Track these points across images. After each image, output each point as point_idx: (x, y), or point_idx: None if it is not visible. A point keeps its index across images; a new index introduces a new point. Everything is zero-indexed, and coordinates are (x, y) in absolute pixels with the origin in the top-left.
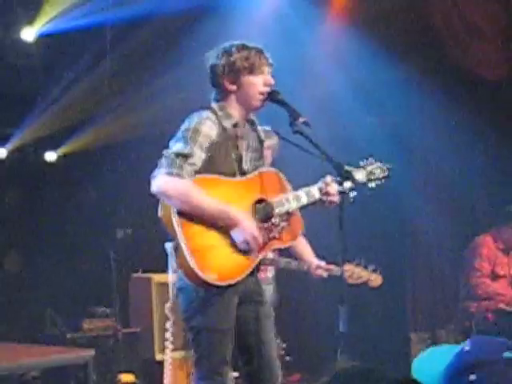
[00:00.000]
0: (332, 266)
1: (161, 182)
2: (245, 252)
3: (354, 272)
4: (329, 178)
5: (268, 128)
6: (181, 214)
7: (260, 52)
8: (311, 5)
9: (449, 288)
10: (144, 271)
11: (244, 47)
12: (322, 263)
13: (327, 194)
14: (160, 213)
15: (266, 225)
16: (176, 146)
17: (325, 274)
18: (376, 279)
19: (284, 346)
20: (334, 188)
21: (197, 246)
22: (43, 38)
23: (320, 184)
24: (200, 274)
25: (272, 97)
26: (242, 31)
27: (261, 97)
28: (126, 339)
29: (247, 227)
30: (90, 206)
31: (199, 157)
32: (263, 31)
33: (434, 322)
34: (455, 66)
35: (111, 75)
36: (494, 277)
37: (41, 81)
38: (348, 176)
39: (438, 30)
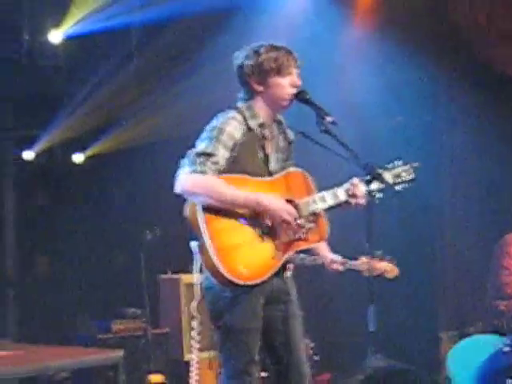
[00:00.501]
0: (347, 260)
1: (184, 180)
2: (274, 248)
3: (371, 265)
4: (356, 180)
5: None
6: (206, 210)
7: (288, 53)
8: (336, 7)
9: (478, 286)
10: (173, 272)
11: (273, 48)
12: (337, 257)
13: (354, 196)
14: (185, 212)
15: (297, 214)
16: (200, 146)
17: (340, 268)
18: (392, 270)
19: (312, 345)
20: (360, 190)
21: (223, 244)
22: (70, 40)
23: (347, 185)
24: (226, 273)
25: (300, 96)
26: (267, 33)
27: (288, 97)
28: (156, 340)
29: (282, 205)
30: (118, 208)
31: (222, 156)
32: (289, 32)
33: (463, 320)
34: (484, 66)
35: (137, 77)
36: None
37: (68, 83)
38: (376, 176)
39: (465, 29)
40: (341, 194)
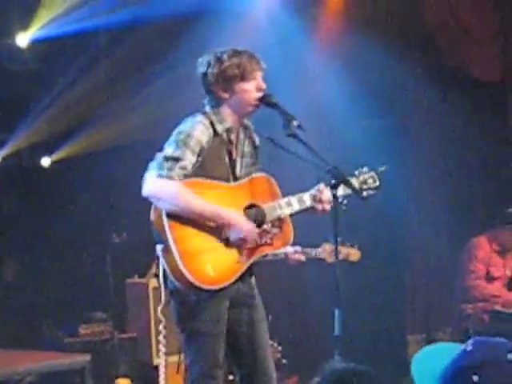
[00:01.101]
0: (309, 249)
1: (151, 184)
2: (238, 252)
3: (333, 250)
4: (322, 186)
5: None
6: (171, 216)
7: (251, 57)
8: (305, 8)
9: (446, 290)
10: (140, 276)
11: (235, 53)
12: (298, 248)
13: (320, 201)
14: (152, 216)
15: (257, 230)
16: (167, 150)
17: (303, 258)
18: (355, 253)
19: (280, 348)
20: (326, 196)
21: (187, 248)
22: (37, 43)
23: (313, 191)
24: (190, 277)
25: (265, 100)
26: (234, 36)
27: (254, 102)
28: (123, 344)
29: (240, 223)
30: (85, 212)
31: (190, 161)
32: (257, 35)
33: (431, 323)
34: (452, 68)
35: (105, 80)
36: (490, 278)
37: (35, 86)
38: (343, 182)
39: (434, 32)
40: (307, 199)
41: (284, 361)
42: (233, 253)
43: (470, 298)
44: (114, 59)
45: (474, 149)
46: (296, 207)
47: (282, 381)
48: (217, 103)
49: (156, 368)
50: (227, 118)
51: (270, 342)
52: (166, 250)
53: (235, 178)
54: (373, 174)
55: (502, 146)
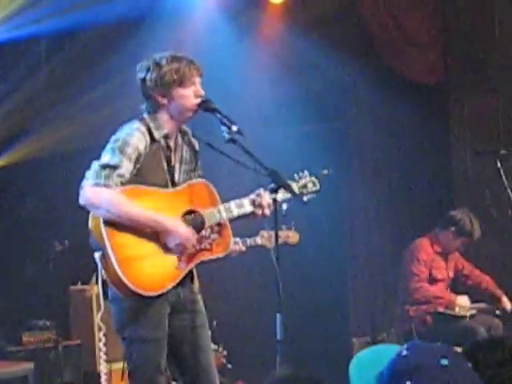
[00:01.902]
0: (247, 239)
1: (88, 192)
2: (178, 258)
3: (271, 235)
4: (262, 190)
5: None
6: (109, 223)
7: (190, 62)
8: (244, 11)
9: (389, 292)
10: (83, 283)
11: (174, 58)
12: (237, 239)
13: (260, 206)
14: (90, 224)
15: (195, 236)
16: (104, 158)
17: (243, 248)
18: (294, 236)
19: (225, 353)
20: (266, 200)
21: (126, 255)
22: None
23: (252, 196)
24: (129, 284)
25: (205, 105)
26: (174, 41)
27: (192, 108)
28: (67, 351)
29: (178, 229)
30: (27, 219)
31: (127, 168)
32: (195, 40)
33: (375, 326)
34: (392, 71)
35: (46, 87)
36: (432, 280)
37: None
38: (283, 186)
39: (373, 35)
40: (246, 204)
41: (229, 365)
42: (172, 259)
43: (413, 299)
44: (54, 66)
45: (417, 152)
46: (235, 212)
47: None
48: (155, 109)
49: (100, 375)
50: (165, 124)
51: (215, 347)
52: (105, 257)
53: (174, 184)
54: (313, 178)
55: (443, 149)
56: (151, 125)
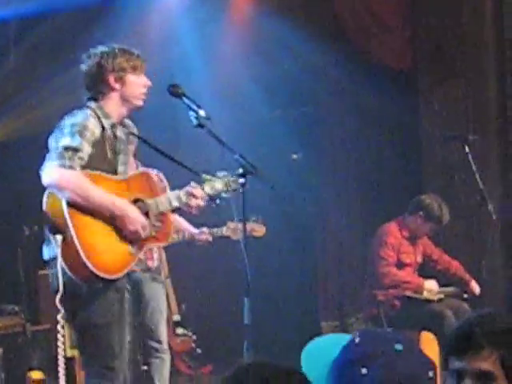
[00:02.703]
0: (215, 229)
1: (55, 174)
2: (130, 243)
3: (237, 227)
4: (194, 184)
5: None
6: (71, 206)
7: (139, 56)
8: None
9: (358, 276)
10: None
11: (125, 49)
12: (204, 229)
13: (195, 197)
14: (46, 206)
15: (148, 223)
16: (65, 140)
17: (210, 238)
18: (259, 229)
19: (195, 337)
20: (199, 193)
21: (88, 239)
22: None
23: (188, 188)
24: (92, 267)
25: (173, 90)
26: (147, 23)
27: (141, 96)
28: (36, 336)
29: (136, 216)
30: None
31: (87, 151)
32: (169, 22)
33: (343, 310)
34: (363, 55)
35: (15, 70)
36: (400, 265)
37: None
38: (251, 170)
39: (343, 19)
40: (182, 195)
41: (198, 350)
42: (125, 244)
43: (382, 284)
44: (23, 49)
45: (386, 137)
46: (175, 203)
47: (196, 370)
48: (102, 96)
49: (70, 359)
50: (112, 113)
51: (185, 331)
52: (65, 240)
53: (116, 174)
54: (234, 177)
55: (413, 135)
56: (99, 113)
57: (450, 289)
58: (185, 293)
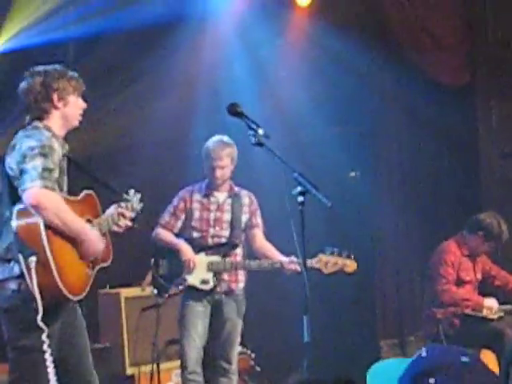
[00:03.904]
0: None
1: (39, 194)
2: (87, 265)
3: (329, 261)
4: (123, 204)
5: (226, 138)
6: (48, 228)
7: (78, 78)
8: (273, 11)
9: (417, 294)
10: (111, 287)
11: (66, 71)
12: (294, 258)
13: (123, 216)
14: (20, 228)
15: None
16: (37, 161)
17: (299, 268)
18: (351, 265)
19: (253, 356)
20: (128, 213)
21: (58, 260)
22: (4, 55)
23: (118, 209)
24: (62, 287)
25: (232, 109)
26: (203, 43)
27: (79, 118)
28: (96, 354)
29: (98, 240)
30: None
31: (57, 173)
32: (225, 42)
33: (402, 328)
34: (420, 73)
35: None
36: (460, 282)
37: (3, 98)
38: (309, 188)
39: (400, 38)
40: (115, 216)
41: (257, 368)
42: (84, 266)
43: (441, 302)
44: (81, 70)
45: (444, 154)
46: (111, 224)
47: None
48: (44, 116)
49: (130, 378)
50: (57, 132)
51: (244, 350)
52: (39, 262)
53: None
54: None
55: (471, 151)
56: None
57: (510, 306)
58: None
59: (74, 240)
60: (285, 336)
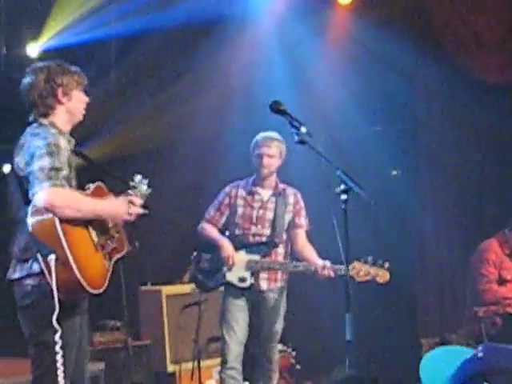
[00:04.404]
0: (338, 266)
1: (49, 195)
2: (103, 258)
3: (362, 269)
4: (131, 191)
5: (275, 133)
6: (62, 223)
7: (80, 72)
8: (314, 11)
9: (458, 293)
10: (153, 284)
11: (68, 66)
12: (328, 263)
13: (133, 203)
14: (36, 228)
15: (107, 236)
16: (43, 162)
17: (332, 274)
18: (384, 275)
19: (294, 354)
20: (137, 200)
21: (76, 255)
22: (48, 53)
23: (128, 197)
24: (84, 283)
25: (275, 107)
26: (243, 43)
27: (83, 112)
28: (137, 352)
29: (119, 206)
30: None
31: (67, 170)
32: (265, 41)
33: (444, 327)
34: (463, 71)
35: (116, 89)
36: (501, 281)
37: None
38: (351, 186)
39: (442, 36)
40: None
41: (298, 366)
42: (101, 258)
43: (482, 301)
44: (124, 68)
45: (487, 153)
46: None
47: None
48: (48, 112)
49: (171, 375)
50: (62, 128)
51: (284, 348)
52: (58, 259)
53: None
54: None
55: None
56: (57, 130)
57: None
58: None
59: (87, 232)
60: (325, 334)
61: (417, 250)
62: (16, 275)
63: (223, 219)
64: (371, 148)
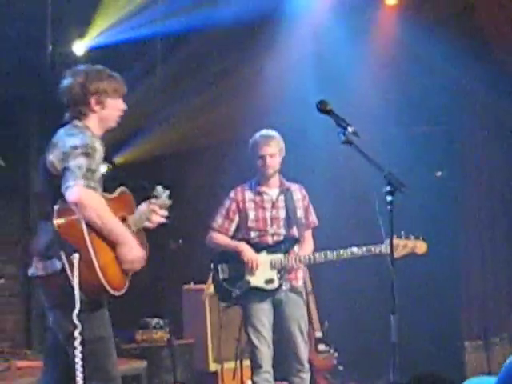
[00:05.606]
0: (372, 246)
1: (82, 193)
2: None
3: (399, 244)
4: (154, 200)
5: (272, 131)
6: (90, 226)
7: (121, 80)
8: (359, 10)
9: (502, 295)
10: (196, 283)
11: (108, 72)
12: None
13: (155, 212)
14: (59, 222)
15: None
16: (80, 161)
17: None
18: (421, 246)
19: (336, 355)
20: (159, 210)
21: (104, 259)
22: (94, 51)
23: (150, 206)
24: (104, 283)
25: (321, 107)
26: (290, 43)
27: (117, 119)
28: (180, 350)
29: (138, 249)
30: None
31: (100, 173)
32: (311, 41)
33: (487, 330)
34: (504, 72)
35: (161, 87)
36: None
37: None
38: (398, 187)
39: (489, 39)
40: (148, 212)
41: (340, 367)
42: (120, 268)
43: None
44: (169, 66)
45: None
46: (144, 220)
47: None
48: (81, 116)
49: (213, 374)
50: (96, 133)
51: (327, 348)
52: (82, 259)
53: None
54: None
55: None
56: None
57: None
58: (328, 309)
59: (111, 242)
60: (369, 336)
61: (461, 252)
62: (40, 272)
63: (233, 226)
64: (416, 149)
